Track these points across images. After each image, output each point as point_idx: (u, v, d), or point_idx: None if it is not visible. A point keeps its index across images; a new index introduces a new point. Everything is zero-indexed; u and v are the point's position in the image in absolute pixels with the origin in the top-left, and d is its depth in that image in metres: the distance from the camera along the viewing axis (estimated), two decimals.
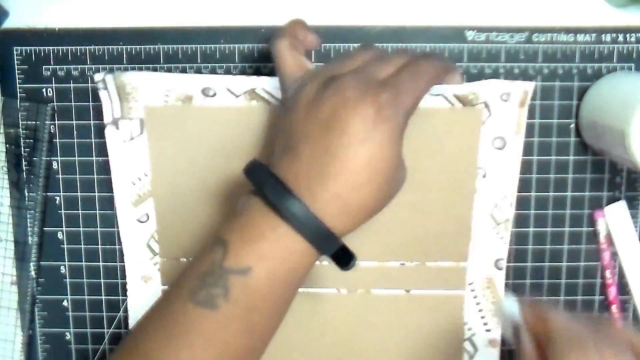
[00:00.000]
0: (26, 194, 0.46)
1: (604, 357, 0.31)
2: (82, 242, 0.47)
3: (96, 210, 0.46)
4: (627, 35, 0.44)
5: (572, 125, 0.45)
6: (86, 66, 0.45)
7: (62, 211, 0.47)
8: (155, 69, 0.45)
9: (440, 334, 0.46)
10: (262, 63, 0.45)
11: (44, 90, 0.45)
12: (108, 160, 0.46)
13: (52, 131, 0.46)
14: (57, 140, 0.46)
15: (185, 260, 0.46)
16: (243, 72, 0.45)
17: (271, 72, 0.45)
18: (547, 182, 0.45)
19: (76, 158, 0.46)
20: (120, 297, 0.47)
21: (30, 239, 0.47)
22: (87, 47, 0.45)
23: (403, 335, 0.46)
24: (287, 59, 0.37)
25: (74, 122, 0.46)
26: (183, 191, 0.45)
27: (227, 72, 0.45)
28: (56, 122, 0.46)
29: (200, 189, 0.45)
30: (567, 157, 0.45)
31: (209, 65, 0.45)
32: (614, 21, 0.44)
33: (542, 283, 0.46)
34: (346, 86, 0.33)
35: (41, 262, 0.47)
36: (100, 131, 0.45)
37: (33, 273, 0.47)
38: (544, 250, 0.46)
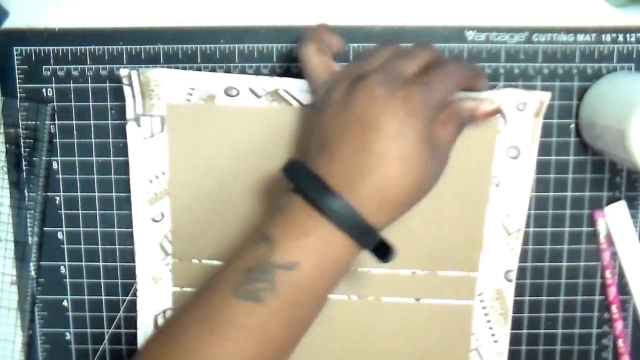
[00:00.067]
0: (26, 194, 0.46)
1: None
2: (82, 242, 0.47)
3: (96, 210, 0.46)
4: (627, 35, 0.44)
5: (572, 125, 0.45)
6: (86, 66, 0.45)
7: (62, 211, 0.47)
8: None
9: (447, 344, 0.46)
10: (262, 63, 0.45)
11: (44, 90, 0.45)
12: (108, 160, 0.46)
13: (52, 131, 0.46)
14: (57, 140, 0.46)
15: (197, 261, 0.46)
16: (243, 72, 0.45)
17: (279, 73, 0.45)
18: (547, 182, 0.45)
19: (76, 158, 0.46)
20: (120, 297, 0.47)
21: (30, 239, 0.47)
22: (87, 47, 0.45)
23: (411, 344, 0.46)
24: (314, 62, 0.39)
25: (74, 122, 0.46)
26: (200, 191, 0.45)
27: (227, 72, 0.45)
28: (56, 122, 0.46)
29: (217, 190, 0.45)
30: (567, 157, 0.45)
31: (209, 65, 0.45)
32: (614, 21, 0.44)
33: (542, 283, 0.46)
34: (374, 84, 0.34)
35: (41, 262, 0.47)
36: (100, 131, 0.46)
37: (33, 273, 0.47)
38: (544, 250, 0.46)
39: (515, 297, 0.46)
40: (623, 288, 0.46)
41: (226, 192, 0.45)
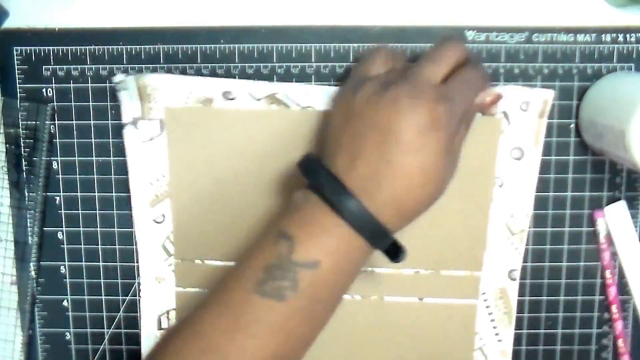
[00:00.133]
0: (26, 194, 0.46)
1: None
2: (82, 242, 0.47)
3: (96, 210, 0.46)
4: (627, 35, 0.44)
5: (572, 125, 0.45)
6: (86, 66, 0.45)
7: (62, 211, 0.47)
8: (155, 70, 0.45)
9: (451, 343, 0.46)
10: (262, 63, 0.45)
11: (44, 90, 0.45)
12: (108, 160, 0.46)
13: (52, 131, 0.46)
14: (57, 140, 0.46)
15: (200, 262, 0.46)
16: (243, 72, 0.45)
17: (279, 74, 0.45)
18: (547, 182, 0.45)
19: (76, 158, 0.46)
20: (121, 297, 0.47)
21: (30, 239, 0.47)
22: (87, 47, 0.45)
23: (414, 343, 0.46)
24: (377, 60, 0.39)
25: (74, 122, 0.46)
26: (200, 192, 0.45)
27: (227, 72, 0.45)
28: (56, 122, 0.46)
29: (217, 191, 0.45)
30: (567, 157, 0.45)
31: (209, 65, 0.45)
32: (614, 21, 0.44)
33: (542, 283, 0.46)
34: (402, 95, 0.35)
35: (41, 262, 0.47)
36: (100, 131, 0.46)
37: (33, 273, 0.47)
38: (544, 250, 0.46)
39: (515, 297, 0.46)
40: (623, 288, 0.46)
41: (227, 193, 0.45)
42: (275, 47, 0.45)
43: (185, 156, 0.45)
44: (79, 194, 0.46)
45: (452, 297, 0.46)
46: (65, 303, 0.47)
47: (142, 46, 0.45)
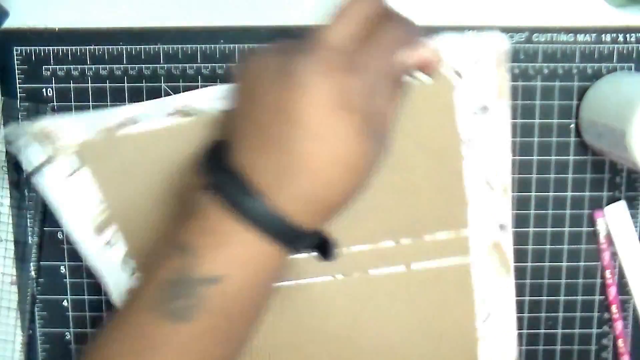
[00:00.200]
0: (26, 194, 0.46)
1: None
2: None
3: None
4: (627, 35, 0.44)
5: (572, 125, 0.45)
6: (86, 66, 0.45)
7: None
8: (155, 70, 0.45)
9: (450, 306, 0.45)
10: None
11: (44, 90, 0.45)
12: None
13: None
14: None
15: None
16: None
17: None
18: (547, 182, 0.45)
19: None
20: (121, 297, 0.47)
21: (30, 239, 0.47)
22: (87, 47, 0.45)
23: (409, 314, 0.45)
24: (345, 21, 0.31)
25: None
26: (144, 210, 0.44)
27: (227, 71, 0.45)
28: None
29: (160, 205, 0.44)
30: (567, 157, 0.45)
31: (209, 65, 0.45)
32: (614, 21, 0.44)
33: (542, 283, 0.46)
34: (299, 68, 0.28)
35: (41, 262, 0.47)
36: None
37: (33, 273, 0.47)
38: (544, 250, 0.46)
39: (515, 297, 0.46)
40: (623, 288, 0.46)
41: (170, 206, 0.44)
42: None
43: (116, 181, 0.44)
44: None
45: (441, 258, 0.45)
46: (65, 303, 0.47)
47: (142, 46, 0.45)
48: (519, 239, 0.46)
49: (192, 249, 0.30)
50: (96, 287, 0.47)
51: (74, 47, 0.45)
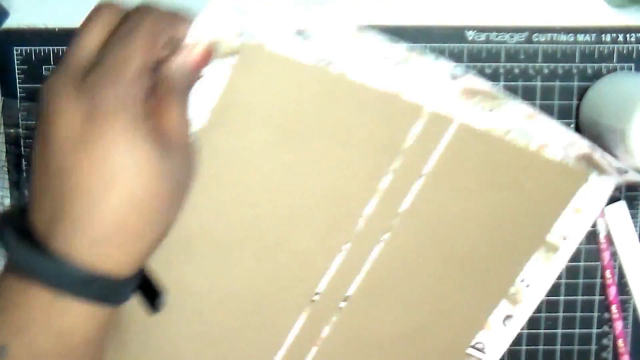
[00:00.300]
0: (26, 194, 0.46)
1: None
2: None
3: None
4: (627, 35, 0.44)
5: (572, 125, 0.45)
6: None
7: None
8: None
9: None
10: None
11: None
12: None
13: None
14: None
15: None
16: None
17: None
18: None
19: None
20: None
21: None
22: None
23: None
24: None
25: None
26: None
27: None
28: None
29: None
30: None
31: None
32: (614, 21, 0.44)
33: None
34: (51, 89, 0.26)
35: None
36: None
37: None
38: None
39: None
40: (623, 288, 0.46)
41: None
42: None
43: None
44: None
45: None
46: None
47: None
48: None
49: None
50: None
51: None
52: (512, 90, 0.45)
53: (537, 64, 0.44)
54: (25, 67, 0.45)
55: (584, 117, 0.44)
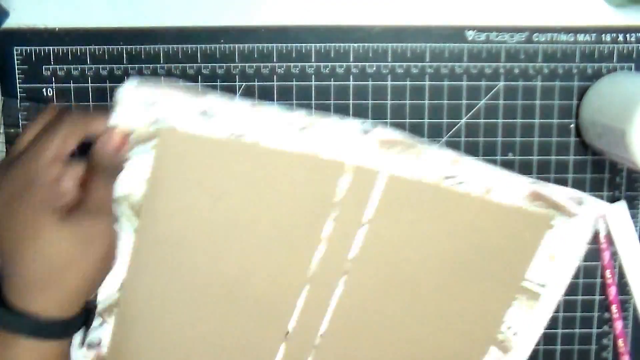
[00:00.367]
0: None
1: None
2: None
3: None
4: (627, 35, 0.44)
5: (572, 125, 0.45)
6: (86, 66, 0.45)
7: None
8: (155, 70, 0.45)
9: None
10: (262, 63, 0.45)
11: (44, 90, 0.45)
12: None
13: None
14: None
15: None
16: (243, 72, 0.45)
17: (279, 74, 0.45)
18: (547, 182, 0.45)
19: None
20: None
21: None
22: (87, 47, 0.45)
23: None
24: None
25: None
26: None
27: (227, 72, 0.45)
28: None
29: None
30: (567, 157, 0.45)
31: (209, 65, 0.45)
32: (614, 21, 0.44)
33: None
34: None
35: None
36: None
37: None
38: None
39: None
40: (623, 288, 0.46)
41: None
42: (275, 47, 0.45)
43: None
44: None
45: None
46: None
47: (142, 46, 0.45)
48: None
49: None
50: None
51: (74, 47, 0.45)
52: (512, 90, 0.45)
53: (537, 64, 0.44)
54: (25, 67, 0.45)
55: (584, 117, 0.44)
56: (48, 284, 0.34)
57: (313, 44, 0.45)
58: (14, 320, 0.34)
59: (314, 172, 0.42)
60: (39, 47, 0.45)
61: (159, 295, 0.43)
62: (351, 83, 0.45)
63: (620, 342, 0.46)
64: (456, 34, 0.44)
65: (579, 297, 0.46)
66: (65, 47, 0.45)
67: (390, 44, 0.44)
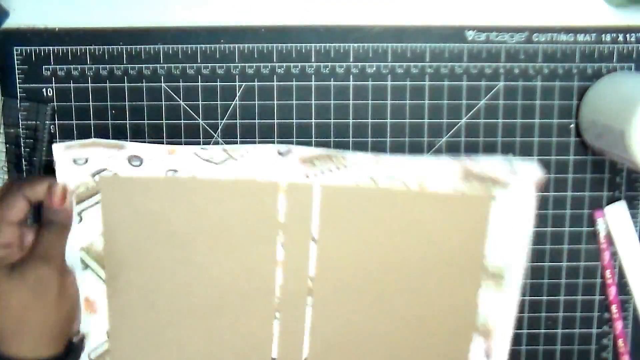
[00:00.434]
0: None
1: None
2: None
3: None
4: (627, 35, 0.44)
5: (572, 125, 0.45)
6: (86, 66, 0.45)
7: None
8: (155, 70, 0.45)
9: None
10: (261, 63, 0.45)
11: (44, 90, 0.45)
12: None
13: (52, 131, 0.46)
14: (57, 140, 0.46)
15: None
16: (243, 72, 0.45)
17: (279, 74, 0.45)
18: (547, 182, 0.45)
19: None
20: None
21: None
22: (87, 47, 0.45)
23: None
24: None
25: (74, 122, 0.46)
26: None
27: (227, 71, 0.45)
28: (56, 122, 0.46)
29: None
30: (567, 157, 0.45)
31: (209, 65, 0.45)
32: (614, 21, 0.44)
33: (542, 283, 0.46)
34: None
35: None
36: (100, 131, 0.45)
37: None
38: (544, 250, 0.46)
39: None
40: (623, 288, 0.46)
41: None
42: (275, 47, 0.45)
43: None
44: None
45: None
46: None
47: (142, 46, 0.45)
48: None
49: None
50: None
51: (74, 47, 0.45)
52: (512, 90, 0.45)
53: (537, 64, 0.44)
54: (25, 67, 0.45)
55: (584, 117, 0.44)
56: (16, 331, 0.38)
57: (313, 44, 0.45)
58: None
59: (255, 195, 0.43)
60: (39, 47, 0.45)
61: (144, 339, 0.45)
62: (351, 83, 0.45)
63: (620, 342, 0.46)
64: (456, 34, 0.44)
65: (579, 297, 0.46)
66: (65, 47, 0.45)
67: (390, 44, 0.44)
